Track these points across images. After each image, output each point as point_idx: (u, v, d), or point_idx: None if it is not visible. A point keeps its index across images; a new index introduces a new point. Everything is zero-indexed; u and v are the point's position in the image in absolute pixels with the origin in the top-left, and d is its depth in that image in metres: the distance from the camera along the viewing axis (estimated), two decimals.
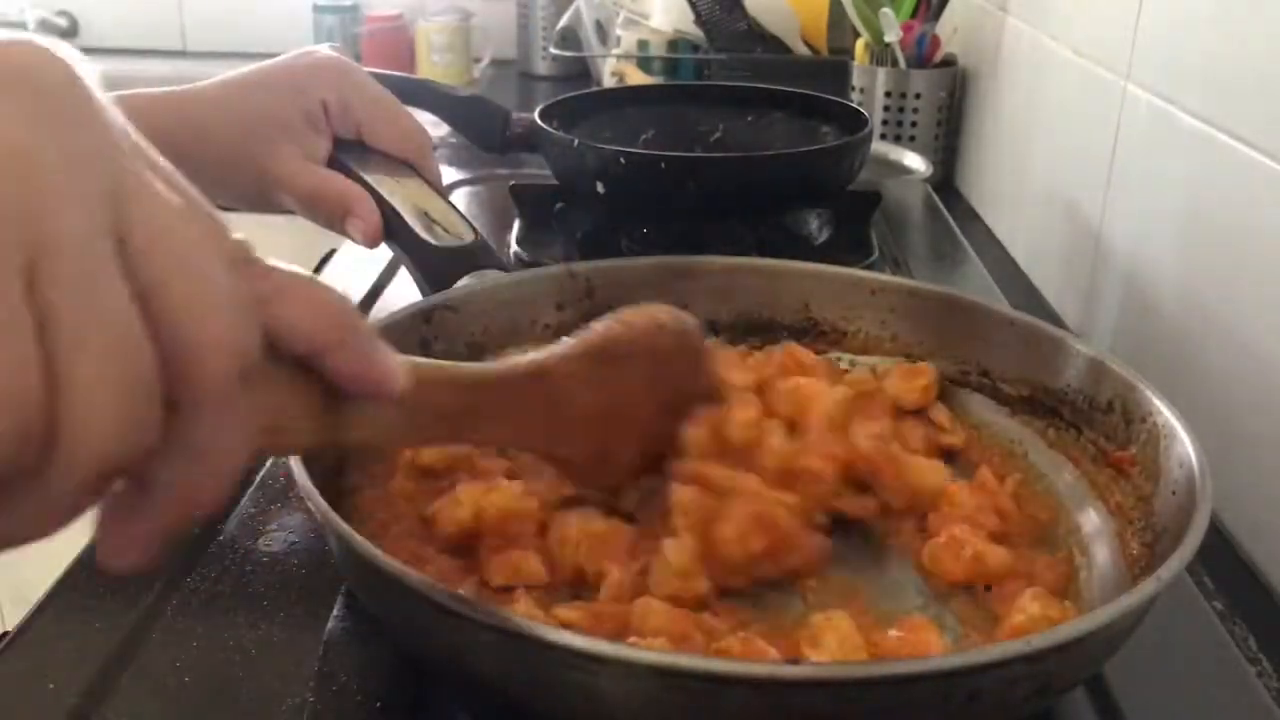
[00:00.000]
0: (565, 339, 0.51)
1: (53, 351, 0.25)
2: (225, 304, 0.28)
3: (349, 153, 0.76)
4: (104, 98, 0.28)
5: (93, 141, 0.27)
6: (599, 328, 0.52)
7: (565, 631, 0.39)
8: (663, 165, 0.87)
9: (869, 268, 0.89)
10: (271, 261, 0.31)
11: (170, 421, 0.28)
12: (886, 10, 1.30)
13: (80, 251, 0.25)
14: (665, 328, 0.54)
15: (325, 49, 0.78)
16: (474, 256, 0.71)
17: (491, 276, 0.70)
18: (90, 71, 0.28)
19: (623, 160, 0.87)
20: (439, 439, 0.51)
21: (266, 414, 0.33)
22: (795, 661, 0.45)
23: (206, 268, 0.28)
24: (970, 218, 1.26)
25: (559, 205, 0.97)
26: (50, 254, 0.24)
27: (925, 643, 0.47)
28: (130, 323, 0.26)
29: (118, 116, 0.28)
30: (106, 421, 0.26)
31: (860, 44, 1.36)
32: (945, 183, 1.36)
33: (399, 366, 0.35)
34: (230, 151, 0.73)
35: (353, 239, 0.74)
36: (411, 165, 0.78)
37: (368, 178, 0.75)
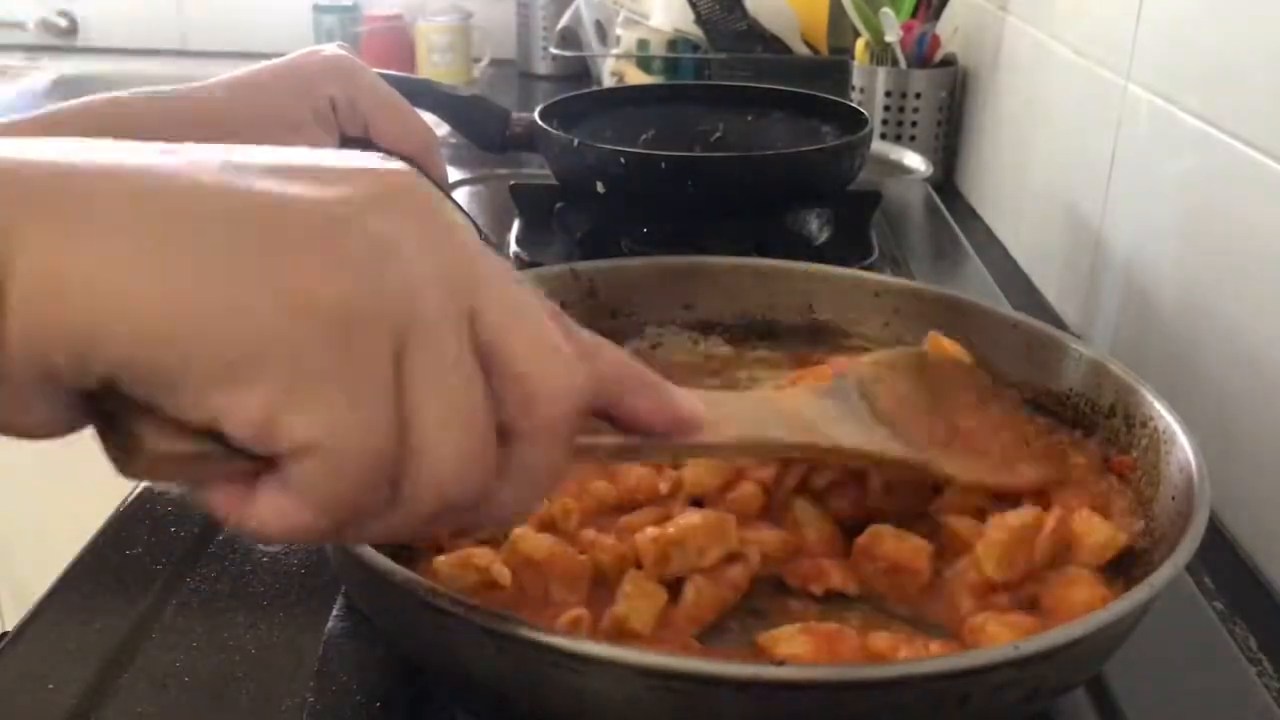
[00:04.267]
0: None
1: (407, 418, 0.30)
2: (564, 360, 0.33)
3: None
4: (456, 214, 0.34)
5: (451, 240, 0.32)
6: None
7: (552, 632, 0.39)
8: (663, 165, 0.87)
9: (869, 268, 0.89)
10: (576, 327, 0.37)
11: (510, 453, 0.33)
12: (886, 10, 1.30)
13: (441, 330, 0.31)
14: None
15: (332, 48, 0.78)
16: None
17: None
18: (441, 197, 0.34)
19: (623, 160, 0.87)
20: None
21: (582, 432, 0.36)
22: (782, 663, 0.45)
23: (549, 335, 0.34)
24: (970, 218, 1.26)
25: (559, 205, 0.96)
26: (418, 333, 0.30)
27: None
28: (477, 391, 0.32)
29: (470, 231, 0.34)
30: (450, 473, 0.31)
31: (860, 44, 1.36)
32: (945, 183, 1.35)
33: (697, 407, 0.40)
34: None
35: None
36: (417, 164, 0.78)
37: None
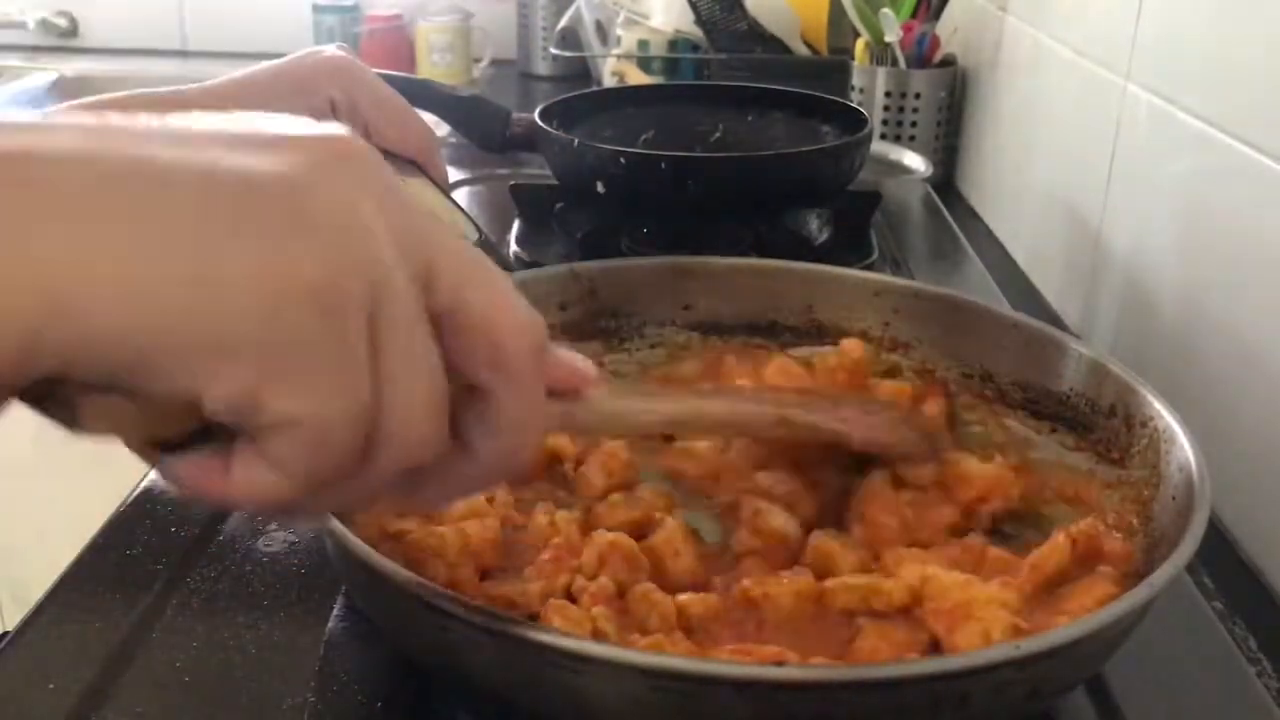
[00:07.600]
0: None
1: (380, 380, 0.31)
2: (522, 303, 0.34)
3: None
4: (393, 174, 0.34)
5: (400, 199, 0.32)
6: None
7: (553, 632, 0.39)
8: (663, 165, 0.87)
9: (869, 268, 0.89)
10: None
11: (487, 407, 0.34)
12: (886, 10, 1.30)
13: (408, 290, 0.31)
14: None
15: (333, 49, 0.79)
16: None
17: None
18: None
19: (623, 160, 0.87)
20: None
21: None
22: (781, 663, 0.45)
23: (504, 283, 0.34)
24: (970, 218, 1.26)
25: (559, 205, 0.96)
26: (387, 296, 0.30)
27: None
28: (433, 352, 0.32)
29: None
30: (419, 430, 0.32)
31: (860, 44, 1.36)
32: (945, 183, 1.35)
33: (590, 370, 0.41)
34: None
35: None
36: (418, 165, 0.78)
37: None
